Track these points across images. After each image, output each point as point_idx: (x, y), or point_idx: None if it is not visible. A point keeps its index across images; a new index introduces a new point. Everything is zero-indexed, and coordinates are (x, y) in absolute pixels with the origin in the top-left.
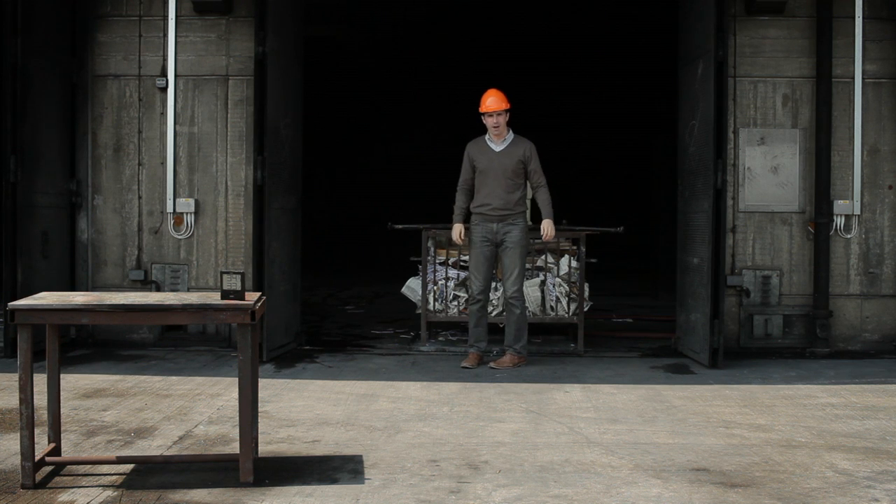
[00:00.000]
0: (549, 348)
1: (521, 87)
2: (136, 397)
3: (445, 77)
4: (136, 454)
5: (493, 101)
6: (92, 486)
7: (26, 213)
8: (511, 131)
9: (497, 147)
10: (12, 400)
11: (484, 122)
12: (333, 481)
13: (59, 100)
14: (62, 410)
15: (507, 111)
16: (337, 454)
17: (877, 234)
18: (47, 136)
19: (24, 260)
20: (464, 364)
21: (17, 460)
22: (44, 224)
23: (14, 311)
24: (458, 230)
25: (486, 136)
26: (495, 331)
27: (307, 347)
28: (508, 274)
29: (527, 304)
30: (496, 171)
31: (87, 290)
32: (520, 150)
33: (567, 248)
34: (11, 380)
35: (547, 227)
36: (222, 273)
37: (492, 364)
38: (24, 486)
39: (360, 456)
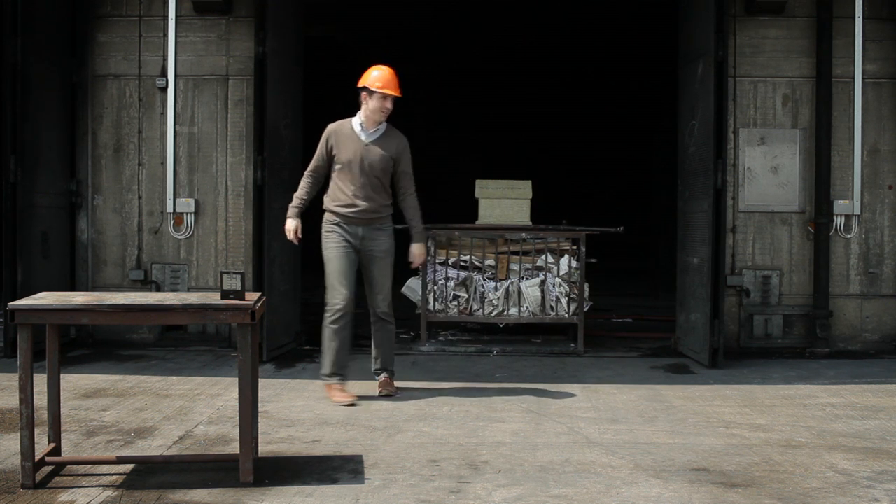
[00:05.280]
0: (549, 348)
1: (521, 86)
2: (136, 397)
3: (445, 77)
4: (136, 454)
5: (391, 82)
6: (92, 486)
7: (26, 213)
8: (385, 122)
9: (366, 137)
10: (12, 400)
11: (365, 102)
12: (333, 481)
13: (59, 100)
14: (62, 410)
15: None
16: (337, 454)
17: (877, 234)
18: (47, 136)
19: (24, 260)
20: (340, 400)
21: (17, 460)
22: (44, 224)
23: (14, 311)
24: (292, 227)
25: (354, 121)
26: (495, 330)
27: (307, 347)
28: (379, 288)
29: (526, 304)
30: (363, 166)
31: (87, 290)
32: (392, 145)
33: (567, 248)
34: (11, 380)
35: (417, 253)
36: (222, 273)
37: (382, 391)
38: (24, 486)
39: (360, 456)
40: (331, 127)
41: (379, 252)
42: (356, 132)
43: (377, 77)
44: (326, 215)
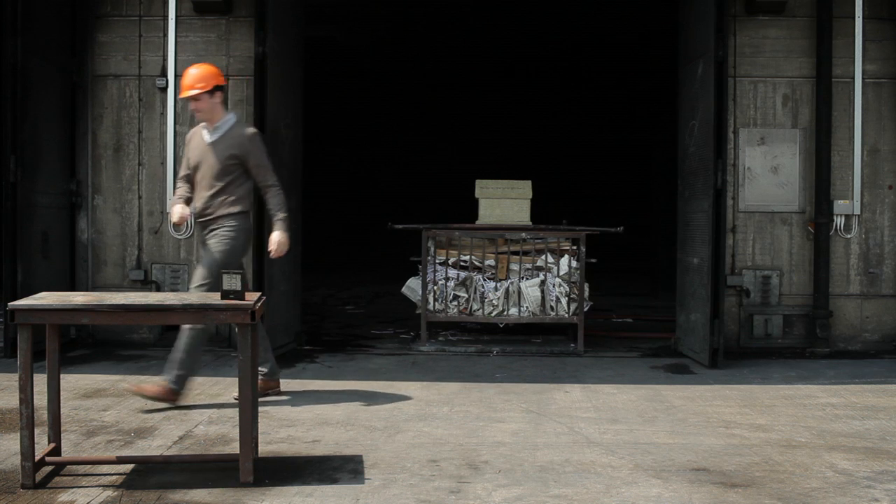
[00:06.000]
0: (549, 348)
1: (521, 86)
2: (136, 397)
3: (445, 77)
4: (136, 454)
5: (185, 83)
6: (92, 486)
7: (26, 213)
8: (231, 116)
9: (209, 138)
10: (12, 400)
11: None
12: (333, 481)
13: (59, 100)
14: (62, 410)
15: (209, 92)
16: (337, 454)
17: (877, 234)
18: (47, 137)
19: (24, 260)
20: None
21: (17, 460)
22: (44, 224)
23: (14, 311)
24: (175, 210)
25: (204, 123)
26: (495, 330)
27: (307, 347)
28: (193, 281)
29: (526, 304)
30: (204, 167)
31: (87, 290)
32: (234, 143)
33: (567, 248)
34: (11, 380)
35: (277, 242)
36: (222, 273)
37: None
38: (24, 486)
39: (360, 456)
40: (190, 132)
41: (208, 248)
42: (203, 134)
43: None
44: None
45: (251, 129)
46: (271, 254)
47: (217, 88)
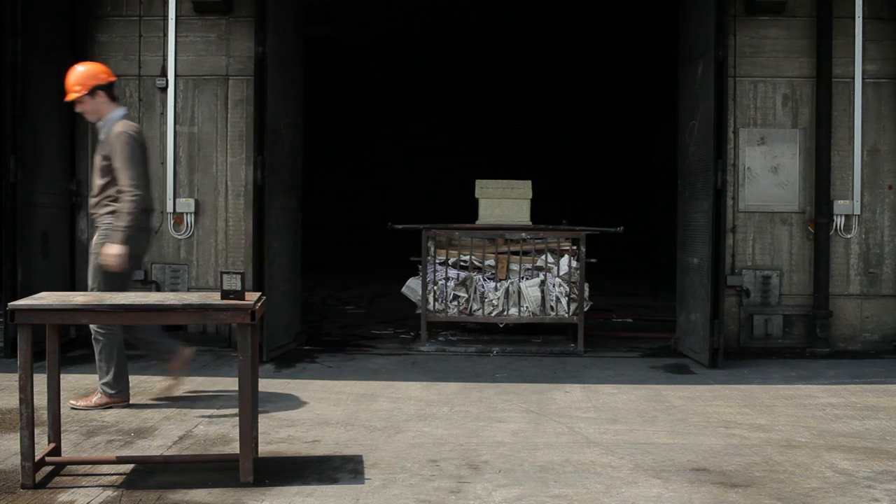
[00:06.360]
0: (549, 348)
1: (521, 86)
2: (136, 397)
3: (445, 77)
4: (136, 454)
5: (68, 84)
6: (92, 486)
7: (26, 213)
8: (114, 114)
9: (100, 137)
10: (12, 400)
11: None
12: (333, 481)
13: (59, 100)
14: (62, 410)
15: (89, 94)
16: (337, 454)
17: (877, 234)
18: (47, 136)
19: (24, 260)
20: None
21: (17, 460)
22: (44, 224)
23: (14, 311)
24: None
25: None
26: (495, 330)
27: (307, 347)
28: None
29: (526, 304)
30: (94, 167)
31: (86, 289)
32: (107, 143)
33: (567, 248)
34: (11, 380)
35: (103, 252)
36: (222, 273)
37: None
38: (24, 486)
39: (360, 456)
40: None
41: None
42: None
43: None
44: None
45: (118, 129)
46: (106, 267)
47: (98, 88)
